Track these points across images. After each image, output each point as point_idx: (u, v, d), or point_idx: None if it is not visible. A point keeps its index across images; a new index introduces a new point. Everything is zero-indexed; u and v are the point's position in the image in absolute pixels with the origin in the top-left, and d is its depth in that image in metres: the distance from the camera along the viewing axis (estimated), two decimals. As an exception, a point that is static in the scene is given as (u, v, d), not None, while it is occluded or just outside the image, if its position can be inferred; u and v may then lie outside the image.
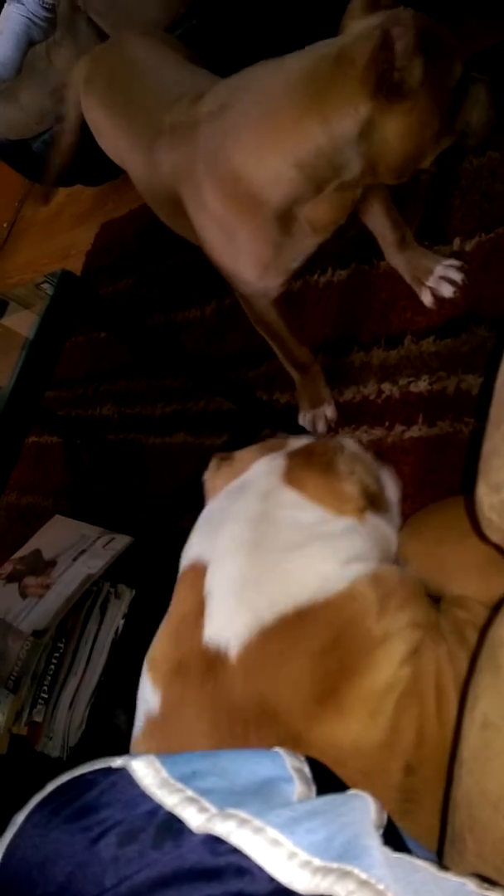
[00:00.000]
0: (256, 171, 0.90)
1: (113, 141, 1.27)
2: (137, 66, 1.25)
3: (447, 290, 1.22)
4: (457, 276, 1.21)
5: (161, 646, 0.70)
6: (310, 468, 0.79)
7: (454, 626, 0.67)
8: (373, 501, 0.79)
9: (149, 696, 0.67)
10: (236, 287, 1.12)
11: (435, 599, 0.79)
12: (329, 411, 1.33)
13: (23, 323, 1.59)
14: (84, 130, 2.15)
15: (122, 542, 1.51)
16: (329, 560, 0.68)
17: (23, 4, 1.72)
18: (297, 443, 0.87)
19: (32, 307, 1.55)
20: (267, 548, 0.69)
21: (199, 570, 0.70)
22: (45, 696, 1.27)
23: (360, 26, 0.84)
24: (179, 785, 0.41)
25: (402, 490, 0.92)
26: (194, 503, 1.54)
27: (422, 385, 1.21)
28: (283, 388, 1.46)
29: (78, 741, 1.24)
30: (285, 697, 0.58)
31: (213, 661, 0.62)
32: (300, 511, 0.73)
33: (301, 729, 0.56)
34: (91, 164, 2.40)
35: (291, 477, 0.77)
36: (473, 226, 1.26)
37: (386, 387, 1.27)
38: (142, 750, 0.52)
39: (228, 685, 0.60)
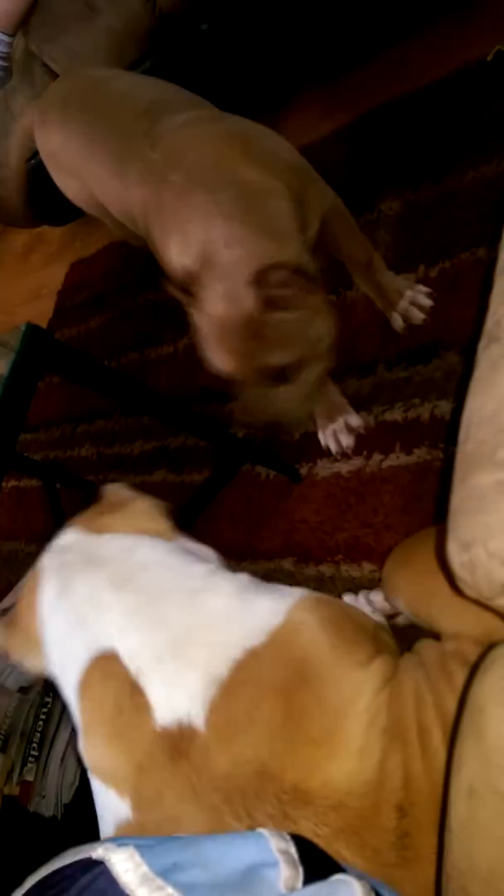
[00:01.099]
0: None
1: (76, 162, 1.23)
2: (96, 84, 1.25)
3: (417, 316, 1.22)
4: (426, 302, 1.22)
5: (107, 757, 0.62)
6: (105, 508, 0.81)
7: (439, 657, 0.64)
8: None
9: (116, 806, 0.60)
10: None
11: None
12: (352, 419, 1.24)
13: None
14: (39, 172, 2.16)
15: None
16: (239, 593, 0.67)
17: (-23, 54, 1.72)
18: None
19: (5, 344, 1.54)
20: (169, 602, 0.66)
21: (107, 661, 0.63)
22: (35, 753, 1.24)
23: None
24: (159, 881, 0.40)
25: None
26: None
27: (396, 413, 1.21)
28: (260, 422, 1.45)
29: (72, 798, 1.20)
30: (271, 749, 0.55)
31: (178, 740, 0.57)
32: (153, 551, 0.72)
33: (299, 780, 0.53)
34: (56, 205, 2.41)
35: (96, 525, 0.77)
36: (437, 252, 1.27)
37: (362, 416, 1.26)
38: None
39: (205, 757, 0.56)
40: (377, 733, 0.55)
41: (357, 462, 1.24)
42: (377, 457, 1.21)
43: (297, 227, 0.91)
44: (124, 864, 0.41)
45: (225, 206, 0.87)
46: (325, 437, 1.25)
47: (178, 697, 0.59)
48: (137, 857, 0.42)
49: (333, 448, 1.24)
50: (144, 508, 0.81)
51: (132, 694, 0.61)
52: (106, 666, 0.63)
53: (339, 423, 1.23)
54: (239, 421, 0.98)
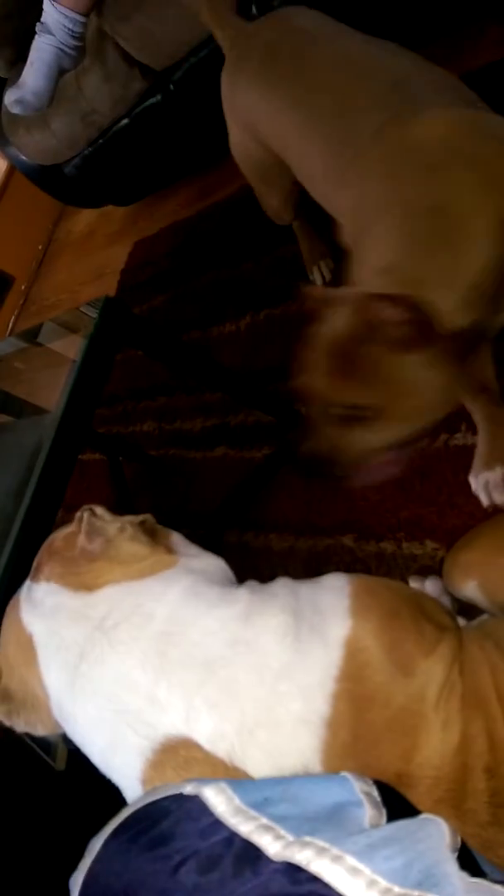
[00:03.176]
0: None
1: (271, 127, 1.08)
2: (314, 39, 1.03)
3: (500, 499, 1.07)
4: None
5: None
6: (85, 550, 0.69)
7: None
8: (152, 532, 0.72)
9: None
10: None
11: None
12: None
13: (63, 345, 1.63)
14: (105, 152, 2.19)
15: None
16: (291, 626, 0.60)
17: (53, 35, 1.76)
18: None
19: (76, 330, 1.59)
20: (226, 664, 0.58)
21: (180, 749, 0.56)
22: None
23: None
24: (253, 812, 0.41)
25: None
26: (238, 517, 1.55)
27: (464, 392, 1.20)
28: (323, 400, 1.46)
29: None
30: (376, 754, 0.55)
31: None
32: (172, 605, 0.63)
33: (400, 768, 0.54)
34: (121, 185, 2.45)
35: (82, 578, 0.67)
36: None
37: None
38: None
39: None
40: (456, 704, 0.57)
41: (421, 441, 1.24)
42: (443, 436, 1.21)
43: (481, 283, 0.74)
44: (217, 797, 0.43)
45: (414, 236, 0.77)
46: (477, 484, 1.10)
47: (286, 760, 0.55)
48: (229, 791, 0.44)
49: (484, 501, 1.09)
50: (131, 544, 0.70)
51: (226, 771, 0.55)
52: (180, 754, 0.56)
53: (497, 474, 1.06)
54: (297, 448, 0.87)
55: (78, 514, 0.73)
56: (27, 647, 0.65)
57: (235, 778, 0.54)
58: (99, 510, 0.73)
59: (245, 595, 0.65)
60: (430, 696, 0.58)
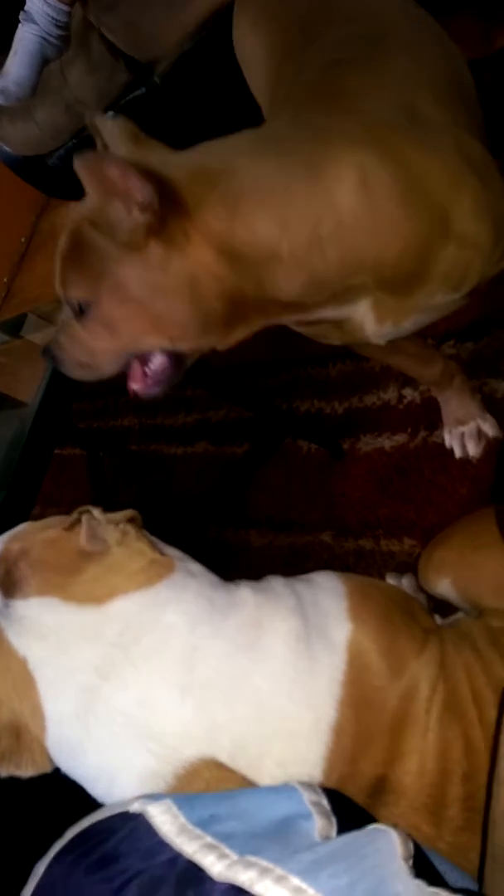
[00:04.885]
0: None
1: (262, 74, 0.99)
2: None
3: (473, 450, 1.11)
4: (490, 432, 1.11)
5: None
6: (77, 561, 0.64)
7: (488, 633, 0.66)
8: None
9: None
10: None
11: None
12: (486, 427, 1.10)
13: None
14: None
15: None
16: (296, 629, 0.59)
17: (36, 24, 1.74)
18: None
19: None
20: (244, 678, 0.57)
21: (202, 770, 0.54)
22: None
23: None
24: (198, 831, 0.41)
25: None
26: (217, 513, 1.55)
27: (444, 390, 1.20)
28: (304, 396, 1.46)
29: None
30: (370, 757, 0.55)
31: None
32: (182, 617, 0.59)
33: (382, 772, 0.55)
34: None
35: (77, 590, 0.61)
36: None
37: (407, 392, 1.26)
38: None
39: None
40: (438, 710, 0.57)
41: (401, 438, 1.24)
42: (422, 433, 1.21)
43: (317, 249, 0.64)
44: (162, 816, 0.43)
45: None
46: (451, 439, 1.14)
47: (297, 769, 0.54)
48: (175, 810, 0.43)
49: (458, 452, 1.13)
50: (134, 548, 0.66)
51: (244, 785, 0.54)
52: (205, 773, 0.54)
53: (470, 428, 1.10)
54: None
55: (73, 515, 0.68)
56: (20, 674, 0.59)
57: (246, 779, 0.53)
58: (96, 512, 0.68)
59: (250, 597, 0.63)
60: (421, 696, 0.58)
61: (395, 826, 0.43)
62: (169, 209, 0.61)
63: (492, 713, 0.56)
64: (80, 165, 0.59)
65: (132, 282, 0.64)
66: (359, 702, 0.56)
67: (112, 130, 0.69)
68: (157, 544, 0.69)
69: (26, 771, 0.60)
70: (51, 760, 0.60)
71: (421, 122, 0.70)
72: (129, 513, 0.69)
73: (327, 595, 0.64)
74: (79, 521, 0.67)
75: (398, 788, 0.54)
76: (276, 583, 0.66)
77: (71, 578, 0.62)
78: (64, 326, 0.71)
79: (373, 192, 0.64)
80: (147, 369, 0.71)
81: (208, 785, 0.53)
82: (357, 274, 0.67)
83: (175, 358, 0.71)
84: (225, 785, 0.52)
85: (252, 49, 1.00)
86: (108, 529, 0.66)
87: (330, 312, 0.72)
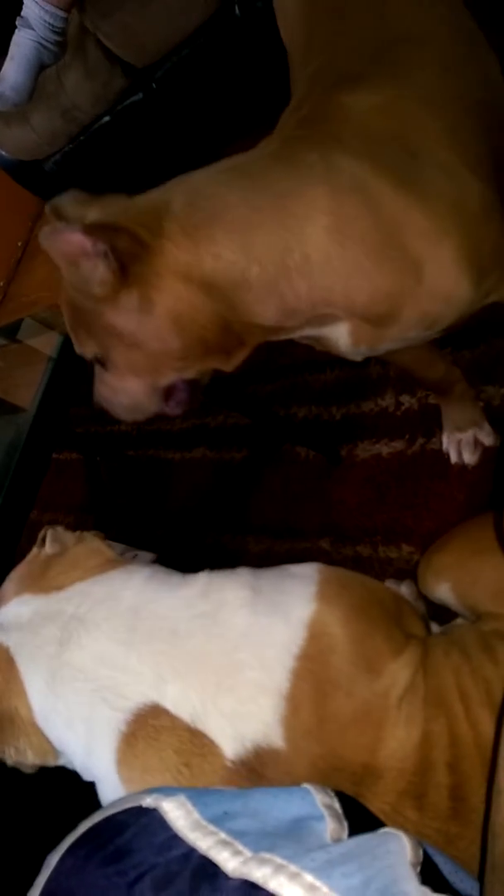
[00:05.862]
0: None
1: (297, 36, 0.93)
2: None
3: (469, 458, 1.13)
4: (486, 441, 1.12)
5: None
6: (42, 562, 0.74)
7: (479, 638, 0.66)
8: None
9: None
10: None
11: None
12: (484, 436, 1.12)
13: (42, 342, 1.62)
14: (86, 149, 2.18)
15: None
16: (252, 599, 0.63)
17: (33, 30, 1.74)
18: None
19: (54, 327, 1.57)
20: (190, 636, 0.62)
21: (149, 717, 0.59)
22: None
23: None
24: (212, 827, 0.41)
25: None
26: (215, 518, 1.55)
27: (441, 396, 1.20)
28: (301, 403, 1.46)
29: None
30: (343, 740, 0.57)
31: (255, 765, 0.56)
32: (134, 591, 0.67)
33: (366, 759, 0.56)
34: (102, 183, 2.43)
35: (45, 584, 0.70)
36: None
37: (405, 398, 1.26)
38: None
39: (285, 771, 0.56)
40: (418, 704, 0.58)
41: (398, 444, 1.24)
42: (420, 440, 1.21)
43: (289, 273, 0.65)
44: (176, 811, 0.43)
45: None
46: (448, 444, 1.16)
47: (247, 726, 0.57)
48: (189, 805, 0.43)
49: (454, 458, 1.15)
50: (85, 547, 0.75)
51: (192, 739, 0.57)
52: (150, 722, 0.59)
53: (468, 435, 1.12)
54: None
55: (41, 534, 0.78)
56: (4, 661, 0.67)
57: (200, 744, 0.57)
58: (59, 527, 0.79)
59: (203, 576, 0.69)
60: (394, 697, 0.59)
61: (405, 831, 0.43)
62: (133, 252, 0.62)
63: (479, 711, 0.57)
64: (42, 242, 0.63)
65: (124, 327, 0.67)
66: (322, 681, 0.58)
67: (66, 204, 0.71)
68: (126, 552, 0.77)
69: (27, 757, 0.66)
70: (46, 744, 0.65)
71: (419, 161, 0.69)
72: (93, 532, 0.80)
73: (296, 581, 0.67)
74: (45, 536, 0.78)
75: (382, 774, 0.56)
76: (242, 569, 0.70)
77: (40, 577, 0.72)
78: (99, 380, 0.76)
79: (345, 238, 0.64)
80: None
81: (156, 731, 0.58)
82: (328, 307, 0.69)
83: (190, 381, 0.75)
84: (168, 734, 0.58)
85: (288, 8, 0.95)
86: (67, 535, 0.78)
87: (309, 332, 0.74)
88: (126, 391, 0.74)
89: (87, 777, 0.64)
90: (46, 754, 0.66)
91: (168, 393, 0.75)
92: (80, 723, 0.62)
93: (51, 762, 0.67)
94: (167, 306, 0.65)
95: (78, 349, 0.74)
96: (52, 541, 0.76)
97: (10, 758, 0.67)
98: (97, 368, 0.75)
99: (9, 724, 0.66)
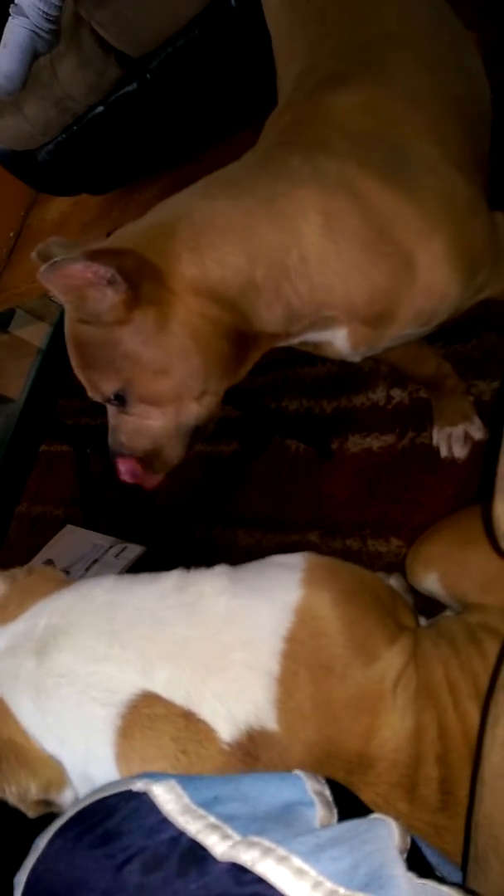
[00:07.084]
0: None
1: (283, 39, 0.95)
2: None
3: (459, 452, 1.13)
4: (476, 435, 1.13)
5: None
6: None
7: (466, 630, 0.67)
8: None
9: None
10: None
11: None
12: (474, 430, 1.12)
13: (32, 333, 1.61)
14: (80, 139, 2.16)
15: (134, 551, 1.52)
16: (231, 585, 0.64)
17: (27, 18, 1.72)
18: None
19: (44, 318, 1.56)
20: (172, 625, 0.61)
21: (143, 705, 0.58)
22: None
23: None
24: (201, 811, 0.41)
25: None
26: (205, 511, 1.55)
27: (432, 391, 1.21)
28: (293, 396, 1.46)
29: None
30: (338, 726, 0.57)
31: (250, 748, 0.56)
32: (103, 590, 0.66)
33: (360, 747, 0.56)
34: (96, 173, 2.42)
35: (6, 614, 0.69)
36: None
37: (396, 392, 1.27)
38: None
39: (280, 754, 0.56)
40: (411, 694, 0.59)
41: (389, 438, 1.25)
42: (410, 434, 1.22)
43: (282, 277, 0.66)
44: (166, 795, 0.43)
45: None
46: (438, 438, 1.16)
47: (240, 707, 0.57)
48: (179, 789, 0.44)
49: (444, 452, 1.15)
50: (38, 576, 0.74)
51: (187, 725, 0.57)
52: (144, 711, 0.58)
53: (458, 429, 1.13)
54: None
55: None
56: None
57: (196, 728, 0.56)
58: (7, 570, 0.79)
59: (175, 573, 0.68)
60: (388, 681, 0.59)
61: (396, 819, 0.43)
62: (142, 274, 0.62)
63: (467, 703, 0.57)
64: (43, 280, 0.62)
65: (144, 350, 0.65)
66: (314, 665, 0.58)
67: (52, 248, 0.72)
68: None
69: (31, 791, 0.62)
70: (53, 771, 0.62)
71: (404, 158, 0.70)
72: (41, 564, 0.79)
73: (282, 568, 0.67)
74: None
75: (375, 763, 0.56)
76: (219, 565, 0.69)
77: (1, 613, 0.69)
78: (115, 427, 0.73)
79: (338, 237, 0.65)
80: None
81: (150, 720, 0.57)
82: (329, 308, 0.69)
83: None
84: (163, 722, 0.57)
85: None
86: (16, 570, 0.76)
87: (310, 337, 0.75)
88: (147, 429, 0.72)
89: (87, 791, 0.59)
90: (50, 784, 0.62)
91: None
92: (74, 731, 0.60)
93: (54, 794, 0.62)
94: (183, 321, 0.65)
95: (91, 392, 0.71)
96: (2, 580, 0.74)
97: (12, 796, 0.63)
98: (112, 414, 0.73)
99: (4, 758, 0.62)
